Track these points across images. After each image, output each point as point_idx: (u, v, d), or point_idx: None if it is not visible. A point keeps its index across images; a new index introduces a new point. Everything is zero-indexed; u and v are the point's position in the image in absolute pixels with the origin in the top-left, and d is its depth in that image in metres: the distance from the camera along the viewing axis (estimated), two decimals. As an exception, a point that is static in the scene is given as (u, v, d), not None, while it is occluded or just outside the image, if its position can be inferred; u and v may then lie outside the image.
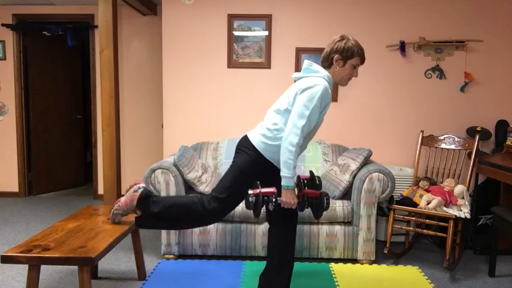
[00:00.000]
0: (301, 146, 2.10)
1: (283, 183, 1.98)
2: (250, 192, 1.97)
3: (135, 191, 2.19)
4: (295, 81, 2.16)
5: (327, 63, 2.10)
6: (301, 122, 1.95)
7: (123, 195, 2.26)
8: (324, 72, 2.06)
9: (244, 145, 2.12)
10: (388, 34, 3.64)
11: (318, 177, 2.19)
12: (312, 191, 2.05)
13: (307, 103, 1.95)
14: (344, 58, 2.05)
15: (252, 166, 2.08)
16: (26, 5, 4.53)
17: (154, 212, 2.12)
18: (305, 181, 2.26)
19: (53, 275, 2.69)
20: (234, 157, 2.16)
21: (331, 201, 2.92)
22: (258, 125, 2.18)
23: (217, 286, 2.53)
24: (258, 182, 2.03)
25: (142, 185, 2.22)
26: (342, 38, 2.07)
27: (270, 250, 2.27)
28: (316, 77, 2.02)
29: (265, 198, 1.96)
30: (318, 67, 2.08)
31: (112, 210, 2.28)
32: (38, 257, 1.88)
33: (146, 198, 2.14)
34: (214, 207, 2.07)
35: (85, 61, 5.57)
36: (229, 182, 2.08)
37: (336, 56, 2.05)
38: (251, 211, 2.06)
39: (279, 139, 2.04)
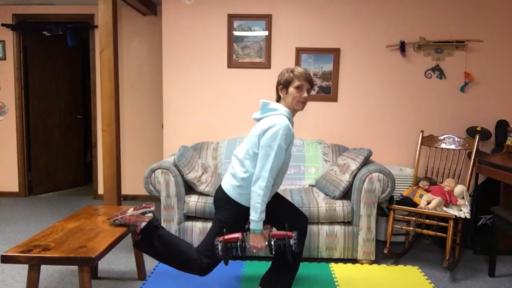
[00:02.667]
0: (276, 183, 2.13)
1: (250, 226, 1.99)
2: (216, 240, 1.99)
3: (143, 213, 2.25)
4: (257, 121, 2.17)
5: (277, 97, 2.17)
6: (268, 164, 1.97)
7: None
8: (281, 108, 2.09)
9: (222, 199, 2.14)
10: (388, 34, 3.64)
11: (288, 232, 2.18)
12: (277, 233, 2.02)
13: (271, 143, 1.97)
14: (285, 86, 2.11)
15: (236, 218, 2.11)
16: (26, 5, 4.53)
17: (154, 245, 2.17)
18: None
19: (53, 275, 2.69)
20: (216, 213, 2.19)
21: (331, 201, 2.92)
22: (228, 172, 2.20)
23: (217, 286, 2.53)
24: (224, 230, 2.05)
25: (152, 209, 2.27)
26: (281, 72, 2.16)
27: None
28: (275, 116, 2.05)
29: (233, 244, 1.97)
30: (274, 105, 2.11)
31: (114, 219, 2.28)
32: (38, 257, 1.88)
33: (152, 229, 2.19)
34: (206, 262, 2.12)
35: (85, 61, 5.57)
36: (213, 238, 2.10)
37: (279, 87, 2.14)
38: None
39: None
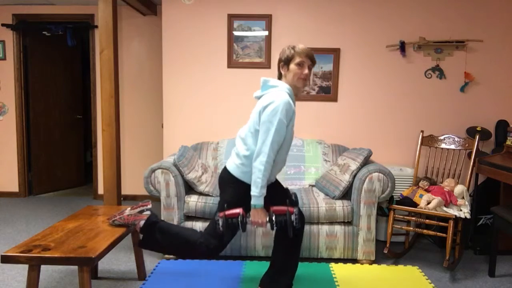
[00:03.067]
0: (279, 162, 2.12)
1: (251, 201, 1.99)
2: (217, 216, 1.99)
3: (141, 212, 2.25)
4: (258, 99, 2.16)
5: (279, 74, 2.16)
6: (269, 139, 1.96)
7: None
8: (282, 85, 2.08)
9: (227, 178, 2.14)
10: (388, 34, 3.64)
11: (294, 194, 2.19)
12: (279, 208, 2.02)
13: (272, 119, 1.96)
14: (285, 63, 2.10)
15: (240, 196, 2.10)
16: (26, 5, 4.53)
17: (157, 240, 2.17)
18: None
19: (53, 275, 2.69)
20: (220, 194, 2.19)
21: (331, 201, 2.92)
22: (232, 152, 2.20)
23: (217, 286, 2.53)
24: (225, 205, 2.05)
25: (149, 207, 2.27)
26: (282, 49, 2.14)
27: (274, 249, 2.28)
28: (276, 92, 2.04)
29: (233, 219, 1.97)
30: (275, 81, 2.10)
31: (113, 220, 2.28)
32: (38, 257, 1.88)
33: (152, 225, 2.19)
34: (213, 243, 2.12)
35: (85, 61, 5.57)
36: None
37: (280, 64, 2.13)
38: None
39: None
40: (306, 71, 2.09)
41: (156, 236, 2.17)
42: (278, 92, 2.02)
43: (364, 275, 2.73)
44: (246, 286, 2.54)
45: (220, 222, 1.97)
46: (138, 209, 2.26)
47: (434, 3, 3.60)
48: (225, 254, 2.94)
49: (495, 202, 3.21)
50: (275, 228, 2.02)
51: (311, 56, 2.09)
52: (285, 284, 2.25)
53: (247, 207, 2.05)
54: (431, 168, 3.61)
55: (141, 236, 2.25)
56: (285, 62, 2.10)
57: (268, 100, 2.00)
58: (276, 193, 2.25)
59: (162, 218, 2.94)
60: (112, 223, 2.29)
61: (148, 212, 2.25)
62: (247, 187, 2.06)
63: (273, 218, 1.99)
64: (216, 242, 2.11)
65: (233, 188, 2.11)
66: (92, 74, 4.63)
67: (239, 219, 1.97)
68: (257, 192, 1.97)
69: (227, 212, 1.99)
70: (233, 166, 2.12)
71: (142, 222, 2.18)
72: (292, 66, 2.07)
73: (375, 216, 2.91)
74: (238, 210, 1.99)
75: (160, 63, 4.49)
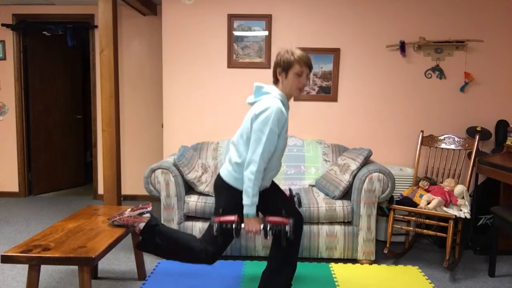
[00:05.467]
0: (272, 168, 2.11)
1: (244, 211, 1.99)
2: (212, 220, 2.01)
3: (141, 214, 2.24)
4: (251, 105, 2.14)
5: (275, 79, 2.11)
6: (259, 149, 1.95)
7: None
8: (275, 91, 2.05)
9: (220, 185, 2.14)
10: (388, 34, 3.64)
11: (298, 194, 2.18)
12: (274, 219, 2.02)
13: (263, 128, 1.95)
14: (284, 70, 2.05)
15: (235, 203, 2.09)
16: (26, 5, 4.53)
17: (156, 243, 2.17)
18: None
19: (53, 275, 2.69)
20: (216, 200, 2.19)
21: (331, 201, 2.92)
22: (226, 158, 2.19)
23: (217, 286, 2.53)
24: (220, 210, 2.06)
25: (149, 209, 2.27)
26: (279, 52, 2.08)
27: (273, 249, 2.28)
28: (268, 99, 2.01)
29: (228, 225, 1.99)
30: (268, 88, 2.07)
31: (113, 221, 2.28)
32: (38, 257, 1.88)
33: (152, 228, 2.18)
34: (211, 250, 2.12)
35: (85, 61, 5.57)
36: None
37: (278, 70, 2.07)
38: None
39: None
40: (305, 81, 2.07)
41: (155, 240, 2.17)
42: (271, 100, 2.00)
43: (364, 275, 2.73)
44: (246, 286, 2.54)
45: (215, 227, 1.99)
46: (138, 211, 2.26)
47: (434, 3, 3.60)
48: (225, 254, 2.94)
49: (495, 202, 3.21)
50: (268, 237, 2.02)
51: (309, 64, 2.06)
52: (284, 284, 2.24)
53: (241, 214, 2.06)
54: (431, 168, 3.61)
55: (140, 238, 2.25)
56: (284, 68, 2.04)
57: (260, 108, 1.98)
58: (272, 198, 2.24)
59: (162, 218, 2.94)
60: (112, 223, 2.29)
61: (148, 215, 2.24)
62: (240, 193, 2.07)
63: (267, 227, 2.00)
64: (213, 249, 2.12)
65: (226, 195, 2.12)
66: (92, 74, 4.63)
67: (233, 226, 1.98)
68: (248, 202, 1.97)
69: (222, 218, 2.00)
70: (226, 172, 2.12)
71: (142, 225, 2.18)
72: (291, 75, 2.04)
73: (375, 216, 2.91)
74: (233, 217, 2.00)
75: (160, 63, 4.49)
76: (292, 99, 3.30)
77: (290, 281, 2.27)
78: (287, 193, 2.36)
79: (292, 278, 2.28)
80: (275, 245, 2.28)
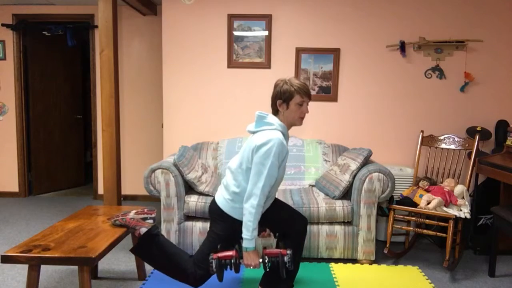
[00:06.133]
0: (269, 196, 2.12)
1: (243, 244, 1.99)
2: (211, 257, 2.01)
3: (145, 219, 2.24)
4: (252, 134, 2.14)
5: (274, 110, 2.11)
6: (260, 183, 1.95)
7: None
8: (277, 123, 2.05)
9: (216, 212, 2.13)
10: (388, 34, 3.64)
11: (289, 254, 2.14)
12: (271, 251, 2.03)
13: (264, 161, 1.95)
14: (285, 101, 2.04)
15: (230, 231, 2.09)
16: (26, 5, 4.53)
17: (152, 252, 2.16)
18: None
19: (53, 275, 2.69)
20: (210, 225, 2.19)
21: (331, 201, 2.92)
22: (222, 183, 2.19)
23: (217, 286, 2.53)
24: (219, 246, 2.06)
25: (153, 216, 2.27)
26: (277, 83, 2.08)
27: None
28: (270, 131, 2.01)
29: (227, 261, 1.99)
30: (270, 119, 2.06)
31: (115, 220, 2.28)
32: (38, 257, 1.88)
33: (151, 237, 2.17)
34: (200, 274, 2.12)
35: (85, 61, 5.57)
36: (208, 250, 2.10)
37: (278, 102, 2.06)
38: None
39: None
40: (306, 110, 2.07)
41: (152, 249, 2.16)
42: (273, 132, 1.99)
43: (364, 275, 2.73)
44: (246, 286, 2.54)
45: (213, 264, 1.99)
46: (142, 216, 2.25)
47: (434, 3, 3.60)
48: (225, 254, 2.94)
49: (495, 202, 3.21)
50: (268, 269, 2.04)
51: (309, 93, 2.06)
52: (286, 284, 2.25)
53: (236, 242, 2.07)
54: (431, 168, 3.61)
55: (137, 241, 2.24)
56: (284, 100, 2.04)
57: (261, 140, 1.97)
58: (272, 209, 2.25)
59: (162, 218, 2.95)
60: (113, 222, 2.29)
61: (151, 221, 2.24)
62: (237, 222, 2.07)
63: (266, 260, 2.01)
64: (202, 273, 2.12)
65: (222, 222, 2.11)
66: (92, 74, 4.63)
67: (232, 261, 1.99)
68: (248, 236, 1.96)
69: (220, 254, 2.00)
70: (222, 200, 2.11)
71: (143, 230, 2.17)
72: (293, 106, 2.04)
73: (375, 216, 2.91)
74: (231, 253, 2.00)
75: (160, 63, 4.49)
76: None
77: (292, 281, 2.28)
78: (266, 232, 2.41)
79: (294, 278, 2.28)
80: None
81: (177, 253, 2.19)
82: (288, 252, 2.01)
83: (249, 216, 1.95)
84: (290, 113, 2.06)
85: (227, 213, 2.08)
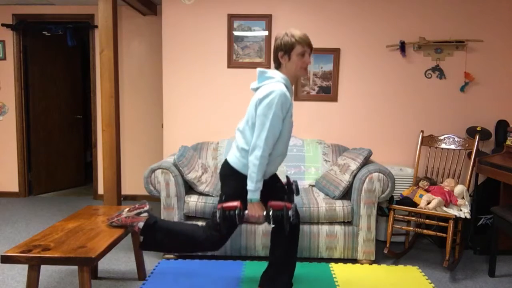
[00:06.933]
0: (279, 154, 2.10)
1: (248, 196, 1.99)
2: (214, 208, 2.00)
3: (138, 214, 2.23)
4: (255, 91, 2.14)
5: (277, 64, 2.10)
6: (263, 134, 1.96)
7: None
8: (278, 75, 2.04)
9: (228, 172, 2.13)
10: (388, 34, 3.64)
11: (295, 182, 2.18)
12: (276, 204, 2.03)
13: (267, 113, 1.95)
14: (286, 52, 2.04)
15: (242, 189, 2.08)
16: (26, 5, 4.53)
17: (159, 240, 2.16)
18: (284, 186, 2.27)
19: (53, 275, 2.69)
20: (222, 187, 2.18)
21: (331, 201, 2.92)
22: (233, 145, 2.19)
23: (217, 286, 2.53)
24: (223, 197, 2.06)
25: (146, 209, 2.26)
26: (277, 36, 2.08)
27: (272, 249, 2.28)
28: (272, 84, 2.01)
29: (231, 212, 1.99)
30: (271, 73, 2.06)
31: (111, 222, 2.28)
32: (38, 257, 1.88)
33: (151, 227, 2.18)
34: (216, 236, 2.11)
35: (85, 61, 5.57)
36: None
37: (280, 54, 2.06)
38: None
39: None
40: (308, 60, 2.06)
41: (157, 236, 2.16)
42: (275, 84, 1.99)
43: (364, 275, 2.73)
44: (246, 286, 2.54)
45: (218, 214, 1.99)
46: (136, 211, 2.25)
47: (434, 3, 3.60)
48: (225, 254, 2.94)
49: (495, 202, 3.21)
50: (271, 222, 2.02)
51: (310, 44, 2.06)
52: (285, 283, 2.25)
53: (246, 199, 2.05)
54: (431, 168, 3.61)
55: (141, 238, 2.24)
56: (286, 51, 2.04)
57: (263, 93, 1.98)
58: (277, 188, 2.24)
59: (162, 218, 2.94)
60: (110, 224, 2.29)
61: (146, 214, 2.24)
62: (246, 179, 2.06)
63: (270, 213, 2.00)
64: (218, 234, 2.10)
65: (233, 181, 2.10)
66: (92, 74, 4.63)
67: (236, 212, 1.98)
68: (252, 187, 1.97)
69: (225, 205, 2.01)
70: (234, 158, 2.11)
71: (141, 224, 2.18)
72: (294, 57, 2.03)
73: (375, 216, 2.91)
74: (236, 203, 2.00)
75: (160, 63, 4.49)
76: (299, 79, 3.30)
77: (291, 279, 2.28)
78: (285, 180, 2.35)
79: (292, 276, 2.28)
80: (274, 245, 2.28)
81: (182, 228, 2.19)
82: (293, 205, 2.01)
83: (253, 167, 1.96)
84: (292, 64, 2.05)
85: (238, 170, 2.08)
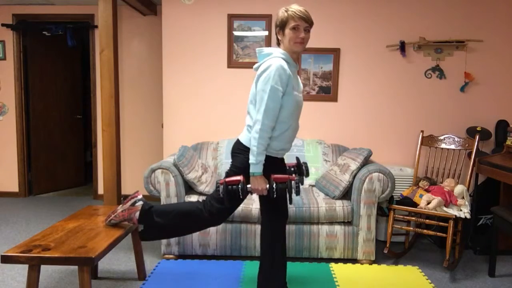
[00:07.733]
0: (293, 128, 2.09)
1: (250, 169, 2.00)
2: (217, 182, 2.02)
3: (133, 204, 2.22)
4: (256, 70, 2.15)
5: (277, 41, 2.14)
6: (262, 107, 1.96)
7: (122, 198, 2.27)
8: (277, 51, 2.05)
9: (238, 147, 2.14)
10: (388, 34, 3.64)
11: (305, 163, 2.19)
12: (280, 176, 2.02)
13: (264, 87, 1.96)
14: (281, 28, 2.06)
15: (248, 165, 2.07)
16: (26, 5, 4.53)
17: (159, 224, 2.15)
18: (293, 168, 2.27)
19: (53, 275, 2.69)
20: (232, 161, 2.18)
21: (331, 201, 2.92)
22: (244, 127, 2.20)
23: (217, 286, 2.53)
24: (226, 172, 2.07)
25: (140, 197, 2.25)
26: (277, 13, 2.10)
27: (261, 244, 2.27)
28: (269, 60, 2.02)
29: (234, 186, 1.98)
30: (269, 49, 2.08)
31: (109, 220, 2.28)
32: (38, 257, 1.88)
33: (147, 212, 2.17)
34: (216, 208, 2.10)
35: (85, 61, 5.57)
36: None
37: (276, 30, 2.09)
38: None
39: None
40: (302, 34, 2.03)
41: (155, 221, 2.15)
42: (272, 59, 2.01)
43: (364, 275, 2.73)
44: (246, 286, 2.54)
45: (221, 189, 1.99)
46: (130, 202, 2.23)
47: (434, 3, 3.60)
48: (225, 254, 2.94)
49: (495, 202, 3.21)
50: (275, 195, 2.00)
51: (306, 18, 2.02)
52: (279, 281, 2.22)
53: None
54: (431, 168, 3.61)
55: (140, 229, 2.23)
56: (280, 27, 2.05)
57: (261, 69, 2.00)
58: (287, 172, 2.24)
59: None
60: (109, 223, 2.29)
61: (141, 203, 2.23)
62: None
63: (274, 185, 1.99)
64: (219, 206, 2.10)
65: (243, 155, 2.10)
66: (92, 74, 4.63)
67: (239, 186, 1.98)
68: (254, 160, 1.97)
69: (228, 179, 2.01)
70: (245, 137, 2.12)
71: (137, 214, 2.17)
72: (287, 31, 2.03)
73: (375, 216, 2.91)
74: (239, 177, 2.00)
75: (160, 63, 4.49)
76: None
77: (285, 278, 2.26)
78: (295, 162, 2.34)
79: (285, 276, 2.25)
80: (262, 240, 2.25)
81: (178, 206, 2.19)
82: (296, 178, 2.00)
83: (253, 141, 1.96)
84: (286, 38, 2.05)
85: (246, 144, 2.09)
